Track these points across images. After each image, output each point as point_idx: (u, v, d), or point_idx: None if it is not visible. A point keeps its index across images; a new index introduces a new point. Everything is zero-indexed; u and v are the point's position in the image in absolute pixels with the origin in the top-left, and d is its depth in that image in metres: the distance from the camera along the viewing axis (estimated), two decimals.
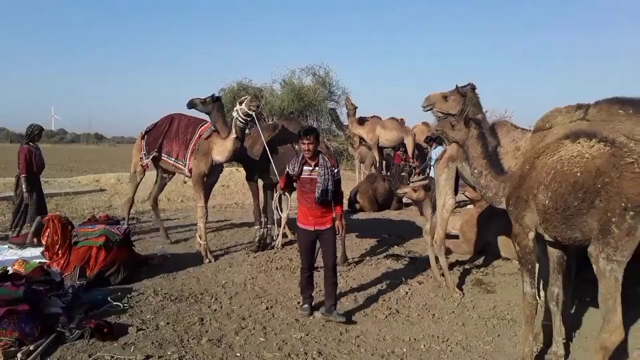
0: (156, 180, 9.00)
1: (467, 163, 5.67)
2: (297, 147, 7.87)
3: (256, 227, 8.34)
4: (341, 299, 5.70)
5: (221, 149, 7.39)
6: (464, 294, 6.03)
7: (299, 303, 5.58)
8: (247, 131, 7.55)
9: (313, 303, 5.42)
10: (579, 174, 3.51)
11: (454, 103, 6.16)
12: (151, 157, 8.06)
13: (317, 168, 5.13)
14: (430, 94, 6.48)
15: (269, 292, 6.03)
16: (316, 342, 4.68)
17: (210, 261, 7.35)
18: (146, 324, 4.93)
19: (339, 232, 5.37)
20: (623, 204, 3.23)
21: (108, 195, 13.43)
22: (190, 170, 7.63)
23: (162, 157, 7.98)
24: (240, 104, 7.18)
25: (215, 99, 8.19)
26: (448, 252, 7.31)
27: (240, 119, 7.17)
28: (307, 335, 4.80)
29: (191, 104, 8.18)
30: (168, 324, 4.95)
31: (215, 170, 7.78)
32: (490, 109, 17.97)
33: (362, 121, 15.58)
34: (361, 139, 15.79)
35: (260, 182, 8.55)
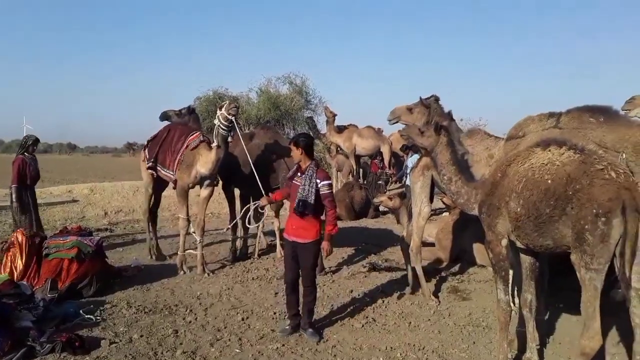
0: (149, 191, 8.33)
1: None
2: (274, 156, 7.86)
3: (232, 237, 8.29)
4: (318, 308, 5.68)
5: (205, 161, 7.07)
6: (440, 301, 6.06)
7: (274, 313, 5.55)
8: (229, 139, 7.21)
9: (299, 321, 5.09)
10: (550, 181, 3.55)
11: (419, 115, 6.35)
12: (148, 166, 7.77)
13: (302, 176, 4.96)
14: (396, 107, 6.70)
15: (245, 303, 5.98)
16: (292, 352, 4.65)
17: (184, 272, 7.20)
18: (119, 337, 4.85)
19: (324, 255, 5.16)
20: (595, 210, 3.27)
21: (81, 206, 13.18)
22: (175, 182, 7.40)
23: (157, 167, 7.70)
24: (220, 109, 6.92)
25: (191, 111, 8.20)
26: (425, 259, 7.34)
27: (222, 125, 6.85)
28: (283, 346, 4.76)
29: (164, 116, 8.13)
30: (142, 336, 4.87)
31: (203, 182, 7.33)
32: (465, 118, 18.24)
33: (339, 130, 15.63)
34: (338, 147, 15.83)
35: (236, 191, 8.51)
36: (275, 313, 5.58)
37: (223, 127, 6.86)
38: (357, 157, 15.78)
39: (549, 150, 3.72)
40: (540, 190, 3.59)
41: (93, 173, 27.92)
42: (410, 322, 5.40)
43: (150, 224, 8.38)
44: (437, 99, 6.41)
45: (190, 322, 5.33)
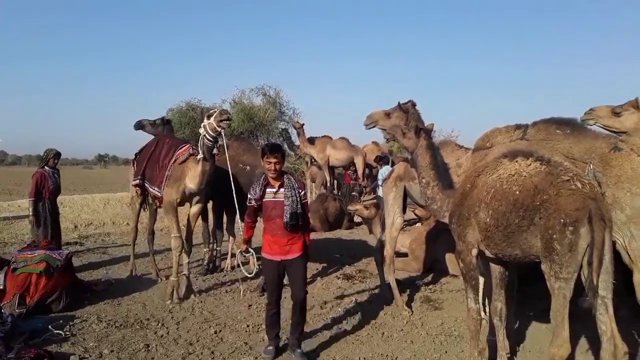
0: (137, 207, 7.79)
1: (414, 182, 5.78)
2: (247, 168, 7.80)
3: (205, 249, 8.23)
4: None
5: (193, 175, 6.51)
6: (412, 311, 6.09)
7: (248, 326, 5.51)
8: (215, 150, 6.64)
9: (280, 344, 4.87)
10: (517, 192, 3.63)
11: (396, 119, 6.21)
12: (135, 183, 7.28)
13: (282, 189, 4.64)
14: (372, 111, 6.53)
15: (218, 316, 5.93)
16: None
17: (172, 301, 6.40)
18: (89, 352, 4.77)
19: None
20: (562, 220, 3.35)
21: None
22: (161, 200, 6.84)
23: (145, 185, 7.16)
24: (209, 117, 6.20)
25: (166, 122, 8.08)
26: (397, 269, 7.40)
27: (207, 136, 6.22)
28: (256, 359, 4.73)
29: (139, 125, 8.01)
30: (112, 351, 4.80)
31: (192, 198, 6.81)
32: (437, 129, 18.46)
33: (312, 141, 15.68)
34: (312, 158, 15.87)
35: (209, 203, 8.45)
36: (248, 326, 5.54)
37: (209, 138, 6.25)
38: (331, 168, 15.83)
39: (516, 162, 3.80)
40: (509, 201, 3.66)
41: (63, 185, 27.22)
42: (383, 333, 5.43)
43: (149, 243, 8.01)
44: (414, 104, 6.36)
45: (162, 336, 5.27)
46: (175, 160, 6.70)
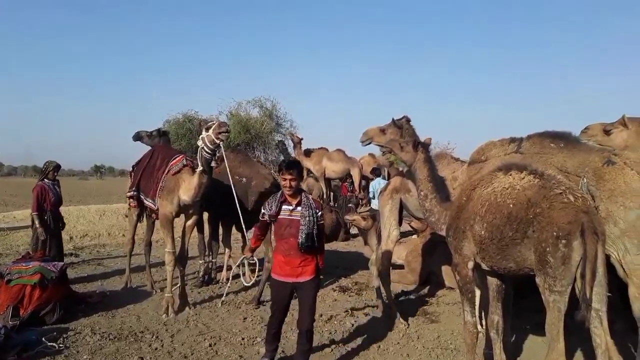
0: (134, 218, 7.68)
1: (411, 194, 5.82)
2: (244, 179, 7.78)
3: (200, 261, 8.19)
4: (286, 332, 5.64)
5: (188, 187, 6.39)
6: (408, 324, 6.07)
7: (243, 339, 5.48)
8: (213, 163, 6.58)
9: (275, 357, 4.75)
10: (511, 205, 3.65)
11: (391, 135, 6.36)
12: (129, 195, 7.24)
13: (299, 208, 4.43)
14: (368, 128, 6.71)
15: (213, 329, 5.88)
16: None
17: (172, 315, 6.29)
18: None
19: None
20: (555, 233, 3.37)
21: None
22: (157, 212, 6.79)
23: (141, 197, 7.10)
24: (207, 130, 6.12)
25: (162, 133, 8.07)
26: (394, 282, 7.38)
27: (206, 149, 6.12)
28: None
29: (137, 137, 8.03)
30: None
31: (187, 210, 6.69)
32: (434, 142, 18.48)
33: (308, 153, 15.71)
34: (308, 170, 15.89)
35: (205, 215, 8.43)
36: (243, 339, 5.51)
37: (207, 151, 6.14)
38: (328, 180, 15.85)
39: (510, 175, 3.84)
40: (503, 214, 3.68)
41: None
42: (379, 346, 5.40)
43: (145, 254, 7.87)
44: (408, 120, 6.50)
45: (156, 348, 5.23)
46: (168, 171, 6.60)
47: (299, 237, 4.34)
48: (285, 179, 4.43)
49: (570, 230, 3.32)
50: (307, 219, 4.35)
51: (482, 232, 3.82)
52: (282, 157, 19.77)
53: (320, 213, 4.51)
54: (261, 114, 22.26)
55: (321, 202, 15.16)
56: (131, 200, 7.28)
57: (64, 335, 5.47)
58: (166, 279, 6.60)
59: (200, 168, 6.24)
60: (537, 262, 3.48)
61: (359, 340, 5.56)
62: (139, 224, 7.90)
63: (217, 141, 6.04)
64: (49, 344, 5.15)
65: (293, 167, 4.46)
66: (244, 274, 5.56)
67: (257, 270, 6.22)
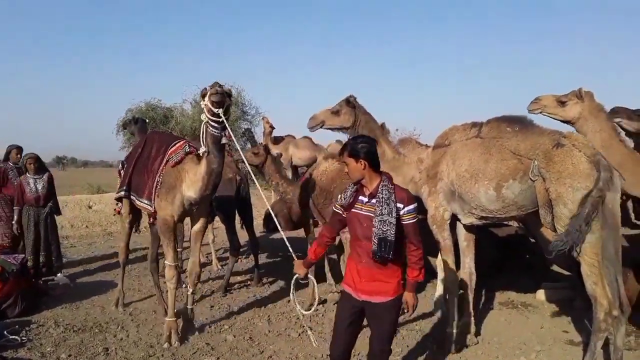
0: (136, 230, 6.78)
1: None
2: (230, 175, 7.41)
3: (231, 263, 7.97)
4: (254, 319, 5.70)
5: (193, 179, 4.97)
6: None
7: (209, 327, 5.51)
8: (223, 140, 4.94)
9: None
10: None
11: (346, 115, 5.82)
12: (117, 197, 5.99)
13: (373, 201, 3.22)
14: (316, 113, 6.02)
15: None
16: None
17: (176, 344, 5.05)
18: (46, 357, 4.72)
19: (406, 311, 3.36)
20: None
21: None
22: (154, 215, 5.42)
23: (131, 197, 5.66)
24: (203, 97, 4.76)
25: (136, 120, 7.58)
26: None
27: (211, 122, 4.71)
28: (218, 359, 4.75)
29: (123, 126, 7.72)
30: (70, 355, 4.75)
31: (193, 212, 5.28)
32: (401, 127, 18.64)
33: (276, 140, 15.68)
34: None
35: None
36: (210, 326, 5.55)
37: (213, 124, 4.72)
38: (295, 168, 15.86)
39: (328, 161, 6.24)
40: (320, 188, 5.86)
41: None
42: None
43: (152, 273, 6.26)
44: (354, 98, 5.91)
45: (121, 339, 5.22)
46: (166, 162, 5.21)
47: (372, 242, 3.19)
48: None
49: None
50: (380, 218, 3.14)
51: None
52: (249, 146, 19.63)
53: (406, 209, 3.19)
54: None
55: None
56: (119, 204, 6.17)
57: (27, 328, 5.43)
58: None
59: (203, 149, 4.84)
60: None
61: (326, 325, 5.66)
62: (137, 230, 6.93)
63: (215, 110, 4.64)
64: (11, 337, 5.09)
65: (352, 149, 3.26)
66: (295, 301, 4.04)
67: (315, 291, 4.39)
